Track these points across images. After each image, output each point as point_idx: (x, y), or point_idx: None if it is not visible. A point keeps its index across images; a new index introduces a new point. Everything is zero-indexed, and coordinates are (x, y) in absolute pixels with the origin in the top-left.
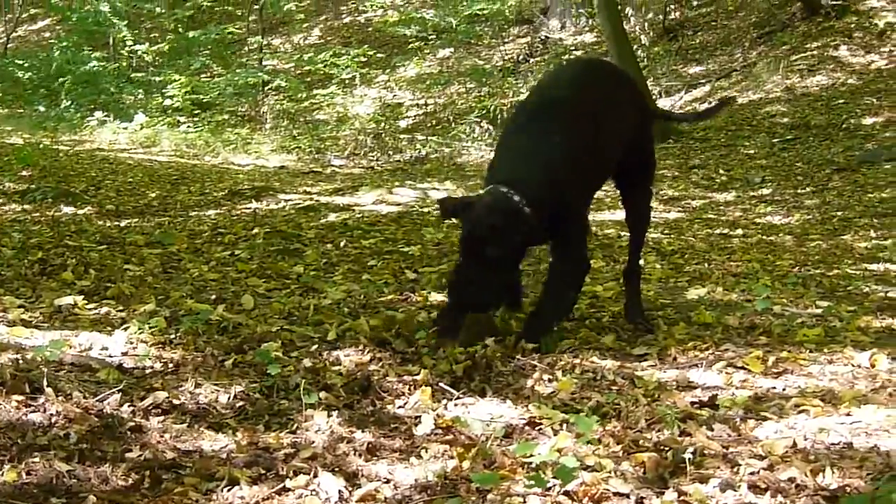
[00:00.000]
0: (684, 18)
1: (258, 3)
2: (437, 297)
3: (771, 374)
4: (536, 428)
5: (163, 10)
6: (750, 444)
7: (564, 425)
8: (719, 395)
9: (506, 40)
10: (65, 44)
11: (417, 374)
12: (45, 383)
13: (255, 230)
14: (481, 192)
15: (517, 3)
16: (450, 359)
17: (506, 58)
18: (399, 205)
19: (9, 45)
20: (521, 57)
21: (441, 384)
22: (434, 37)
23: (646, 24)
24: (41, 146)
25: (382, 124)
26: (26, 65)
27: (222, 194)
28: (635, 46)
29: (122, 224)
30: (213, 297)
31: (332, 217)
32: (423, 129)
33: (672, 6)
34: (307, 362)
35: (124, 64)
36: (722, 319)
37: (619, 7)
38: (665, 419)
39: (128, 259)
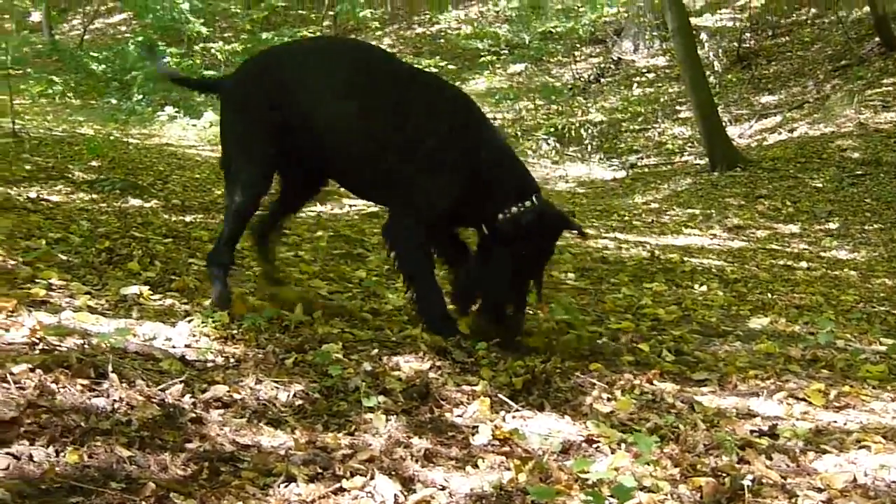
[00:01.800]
0: (759, 47)
1: (333, 8)
2: None
3: (832, 408)
4: (594, 445)
5: (238, 10)
6: (809, 476)
7: (622, 444)
8: (779, 425)
9: (578, 59)
10: (140, 38)
11: (476, 384)
12: (109, 369)
13: (319, 233)
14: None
15: (591, 23)
16: (509, 371)
17: (577, 76)
18: None
19: (85, 38)
20: (592, 76)
21: (500, 396)
22: (506, 52)
23: (719, 51)
24: (111, 138)
25: None
26: (101, 57)
27: None
28: (708, 73)
29: (188, 219)
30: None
31: None
32: None
33: (747, 34)
34: (367, 366)
35: (197, 61)
36: (784, 350)
37: (694, 32)
38: (724, 445)
39: (192, 253)
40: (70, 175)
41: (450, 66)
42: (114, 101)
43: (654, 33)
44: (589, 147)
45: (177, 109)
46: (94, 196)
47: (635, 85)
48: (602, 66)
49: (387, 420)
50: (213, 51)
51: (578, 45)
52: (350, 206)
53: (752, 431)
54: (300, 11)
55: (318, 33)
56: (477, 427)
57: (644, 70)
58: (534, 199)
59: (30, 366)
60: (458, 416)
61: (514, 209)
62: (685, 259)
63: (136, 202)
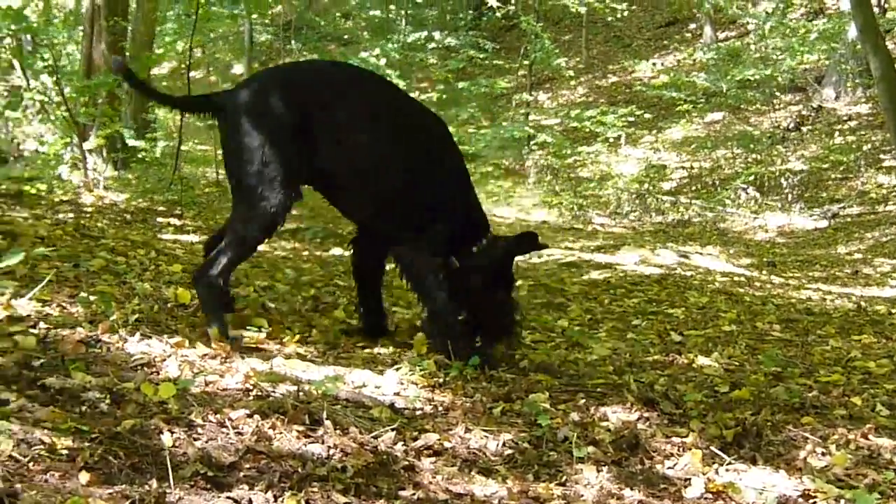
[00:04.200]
0: None
1: (528, 58)
2: (705, 361)
3: None
4: (810, 501)
5: (435, 62)
6: None
7: (840, 501)
8: None
9: (777, 107)
10: None
11: (686, 436)
12: (324, 416)
13: (519, 282)
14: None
15: (790, 70)
16: (719, 423)
17: (776, 125)
18: (661, 266)
19: None
20: (791, 125)
21: (711, 448)
22: (703, 100)
23: None
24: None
25: (646, 185)
26: None
27: None
28: None
29: (388, 267)
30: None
31: (594, 274)
32: (687, 192)
33: None
34: (575, 416)
35: None
36: None
37: None
38: None
39: (395, 301)
40: None
41: (646, 115)
42: None
43: (857, 80)
44: (789, 196)
45: None
46: (296, 244)
47: (837, 133)
48: (802, 113)
49: (598, 471)
50: None
51: (777, 93)
52: (548, 255)
53: None
54: (496, 62)
55: (513, 83)
56: (689, 479)
57: (846, 118)
58: (489, 235)
59: (247, 411)
60: (670, 467)
61: (483, 242)
62: (893, 311)
63: (336, 251)
